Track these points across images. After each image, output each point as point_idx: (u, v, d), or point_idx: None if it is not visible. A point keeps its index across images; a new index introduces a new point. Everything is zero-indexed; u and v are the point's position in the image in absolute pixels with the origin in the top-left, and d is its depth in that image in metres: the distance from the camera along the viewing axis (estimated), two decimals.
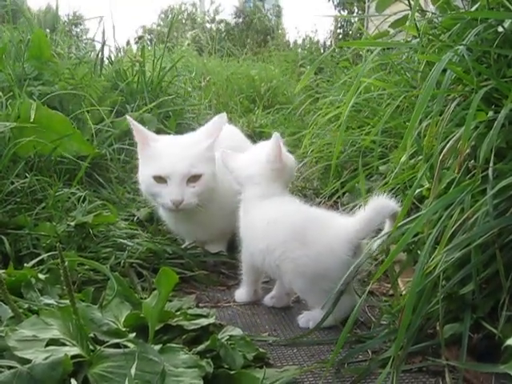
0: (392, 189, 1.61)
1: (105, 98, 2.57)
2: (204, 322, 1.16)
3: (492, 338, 1.05)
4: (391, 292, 1.42)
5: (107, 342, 0.99)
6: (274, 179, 1.42)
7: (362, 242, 1.29)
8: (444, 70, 1.15)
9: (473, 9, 1.40)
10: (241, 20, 13.64)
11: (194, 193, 1.64)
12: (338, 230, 1.31)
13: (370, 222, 1.28)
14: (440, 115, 1.25)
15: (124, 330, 1.06)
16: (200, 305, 1.41)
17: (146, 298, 1.23)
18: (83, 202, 1.80)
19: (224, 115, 1.76)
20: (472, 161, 1.17)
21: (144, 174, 1.68)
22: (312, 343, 1.23)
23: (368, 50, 2.50)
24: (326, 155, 2.61)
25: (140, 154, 1.71)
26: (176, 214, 1.75)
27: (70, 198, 1.82)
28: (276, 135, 1.41)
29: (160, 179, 1.63)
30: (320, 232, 1.31)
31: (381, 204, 1.28)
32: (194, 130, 1.99)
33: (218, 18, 14.13)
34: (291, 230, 1.32)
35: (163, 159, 1.64)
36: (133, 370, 0.86)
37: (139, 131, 1.69)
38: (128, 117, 1.73)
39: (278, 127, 4.11)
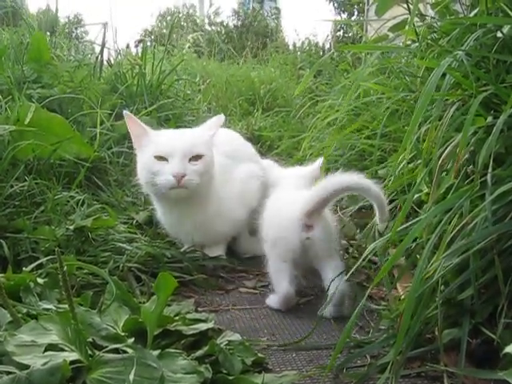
0: (391, 193, 1.62)
1: (104, 101, 2.57)
2: (203, 326, 1.16)
3: (490, 344, 1.05)
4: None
5: (106, 346, 0.99)
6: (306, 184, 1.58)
7: (322, 214, 1.40)
8: (443, 75, 1.16)
9: (472, 14, 1.41)
10: (240, 23, 13.64)
11: (196, 170, 1.65)
12: (292, 205, 1.42)
13: (315, 198, 1.36)
14: (439, 120, 1.25)
15: (123, 334, 1.06)
16: (199, 309, 1.41)
17: (144, 303, 1.23)
18: (82, 205, 1.80)
19: (222, 116, 1.78)
20: (471, 166, 1.18)
21: (144, 156, 1.68)
22: (311, 348, 1.23)
23: (367, 54, 2.50)
24: (325, 158, 2.61)
25: (138, 144, 1.71)
26: (174, 214, 1.75)
27: (68, 201, 1.82)
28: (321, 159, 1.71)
29: (161, 158, 1.64)
30: (278, 209, 1.49)
31: (330, 181, 1.36)
32: None
33: (217, 20, 14.14)
34: (269, 210, 1.54)
35: (164, 140, 1.67)
36: (131, 376, 0.85)
37: (137, 124, 1.69)
38: (124, 111, 1.72)
39: (277, 130, 4.12)
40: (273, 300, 1.47)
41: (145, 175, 1.69)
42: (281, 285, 1.42)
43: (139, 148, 1.71)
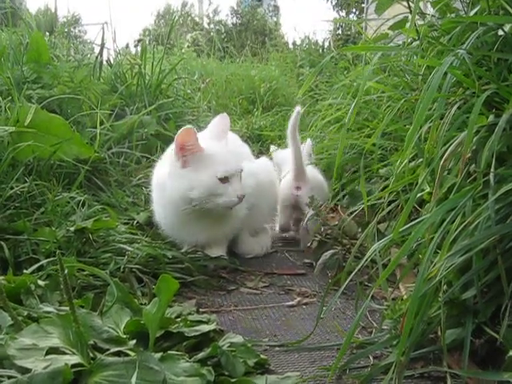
0: (392, 192, 1.61)
1: (104, 101, 2.56)
2: (205, 328, 1.15)
3: (493, 343, 1.04)
4: (392, 296, 1.41)
5: (107, 349, 0.99)
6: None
7: (307, 181, 2.01)
8: (444, 74, 1.15)
9: (473, 12, 1.40)
10: (239, 21, 13.63)
11: (247, 186, 1.77)
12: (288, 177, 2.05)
13: (293, 172, 2.03)
14: (440, 119, 1.24)
15: (124, 337, 1.05)
16: (200, 310, 1.40)
17: (145, 304, 1.23)
18: (83, 206, 1.80)
19: (225, 115, 1.83)
20: (473, 165, 1.17)
21: (204, 176, 1.66)
22: (313, 349, 1.23)
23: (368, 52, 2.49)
24: (325, 157, 2.61)
25: (191, 160, 1.67)
26: (188, 219, 1.74)
27: (69, 202, 1.81)
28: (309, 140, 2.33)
29: (224, 179, 1.68)
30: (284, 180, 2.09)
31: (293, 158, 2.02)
32: None
33: (216, 18, 14.14)
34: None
35: (225, 161, 1.70)
36: (133, 379, 0.85)
37: (195, 139, 1.67)
38: (189, 126, 1.68)
39: (278, 129, 4.11)
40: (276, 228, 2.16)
41: (205, 195, 1.66)
42: (282, 218, 2.10)
43: (193, 165, 1.67)
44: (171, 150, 1.73)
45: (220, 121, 1.83)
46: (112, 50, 3.37)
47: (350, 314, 1.44)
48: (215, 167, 1.67)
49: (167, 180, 1.71)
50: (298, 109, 1.99)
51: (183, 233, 1.79)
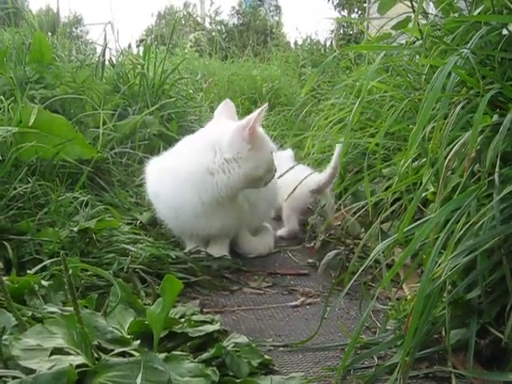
0: (395, 192, 1.61)
1: (106, 101, 2.56)
2: (209, 328, 1.15)
3: (498, 343, 1.04)
4: (396, 296, 1.41)
5: (112, 350, 0.99)
6: None
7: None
8: (448, 73, 1.14)
9: (476, 11, 1.39)
10: (240, 21, 13.63)
11: None
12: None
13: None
14: (444, 119, 1.24)
15: (128, 337, 1.05)
16: (204, 310, 1.40)
17: (149, 304, 1.23)
18: (86, 206, 1.80)
19: (228, 101, 1.88)
20: (477, 165, 1.17)
21: (267, 154, 1.77)
22: (317, 349, 1.23)
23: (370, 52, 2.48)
24: (328, 157, 2.60)
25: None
26: (217, 204, 1.74)
27: (72, 202, 1.81)
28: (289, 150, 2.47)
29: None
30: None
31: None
32: (194, 132, 1.99)
33: (218, 18, 14.14)
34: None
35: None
36: (138, 380, 0.85)
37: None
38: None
39: (280, 129, 4.10)
40: (282, 231, 2.19)
41: (266, 171, 1.76)
42: (291, 223, 2.18)
43: (255, 146, 1.72)
44: (212, 141, 1.73)
45: (226, 107, 1.84)
46: (114, 50, 3.36)
47: (353, 314, 1.43)
48: (269, 144, 1.80)
49: (229, 167, 1.69)
50: (338, 148, 2.07)
51: (202, 222, 1.74)
